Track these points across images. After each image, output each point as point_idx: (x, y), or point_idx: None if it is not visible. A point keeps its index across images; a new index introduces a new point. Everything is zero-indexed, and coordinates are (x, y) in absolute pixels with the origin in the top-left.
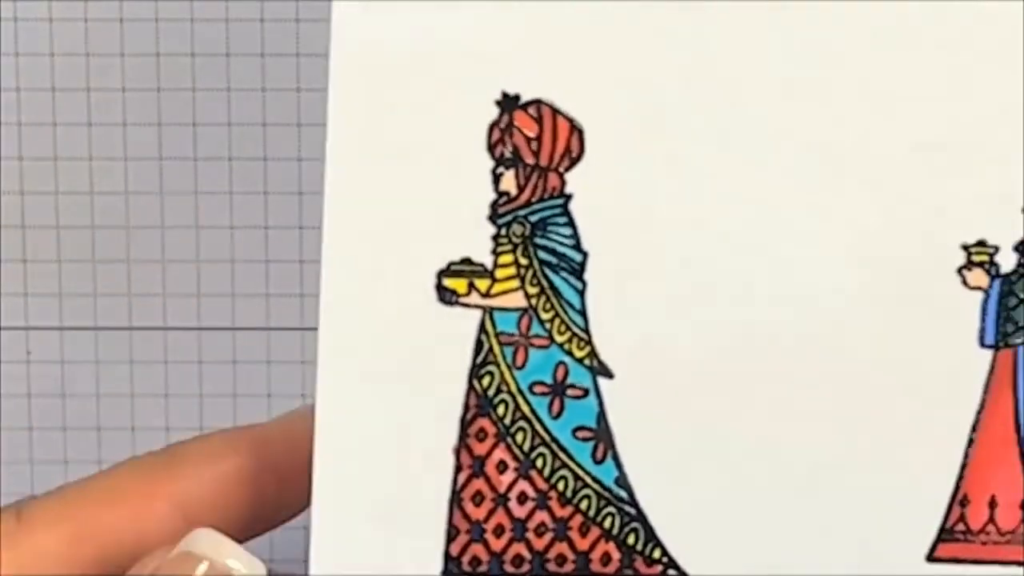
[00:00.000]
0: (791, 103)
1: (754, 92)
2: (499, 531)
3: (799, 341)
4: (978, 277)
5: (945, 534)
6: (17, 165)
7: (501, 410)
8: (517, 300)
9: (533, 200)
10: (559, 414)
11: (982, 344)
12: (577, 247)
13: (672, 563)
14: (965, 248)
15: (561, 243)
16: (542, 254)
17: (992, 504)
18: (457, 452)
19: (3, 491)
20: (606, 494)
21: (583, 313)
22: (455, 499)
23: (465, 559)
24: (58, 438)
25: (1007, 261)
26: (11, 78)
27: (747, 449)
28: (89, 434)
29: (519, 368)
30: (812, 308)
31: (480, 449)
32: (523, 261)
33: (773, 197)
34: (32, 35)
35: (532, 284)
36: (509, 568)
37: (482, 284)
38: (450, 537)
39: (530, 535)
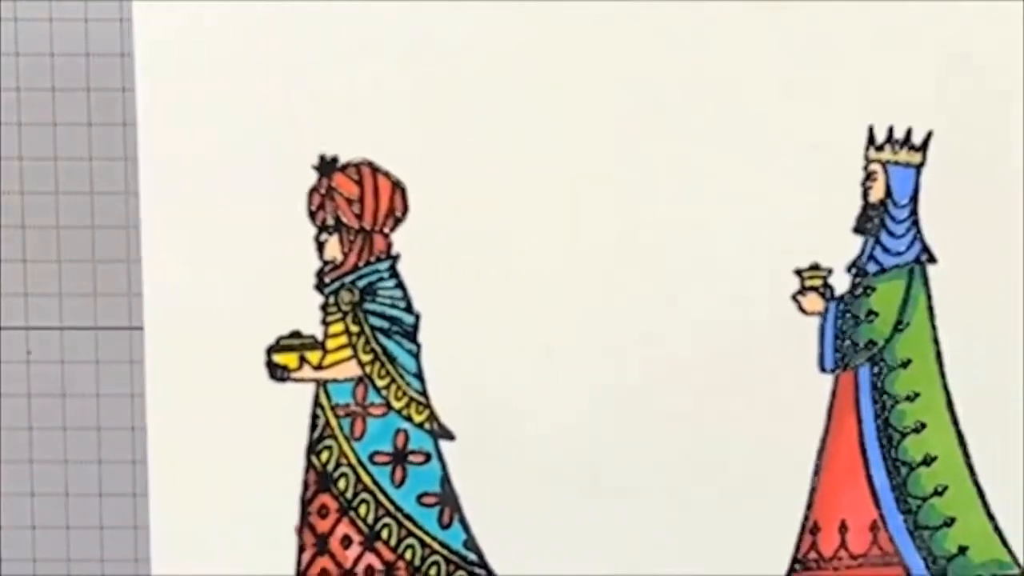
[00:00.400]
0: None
1: (564, 150)
2: None
3: (640, 384)
4: (813, 302)
5: (798, 564)
6: (17, 165)
7: (342, 484)
8: (351, 370)
9: (360, 264)
10: (402, 482)
11: (822, 369)
12: (408, 309)
13: None
14: (798, 273)
15: (392, 306)
16: (373, 319)
17: (843, 529)
18: (299, 531)
19: (3, 490)
20: (455, 558)
21: (420, 376)
22: None
23: None
24: (58, 438)
25: (841, 283)
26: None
27: (595, 497)
28: (89, 434)
29: (357, 439)
30: (650, 349)
31: (323, 526)
32: (354, 328)
33: (596, 246)
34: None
35: (365, 352)
36: None
37: (313, 356)
38: None
39: None
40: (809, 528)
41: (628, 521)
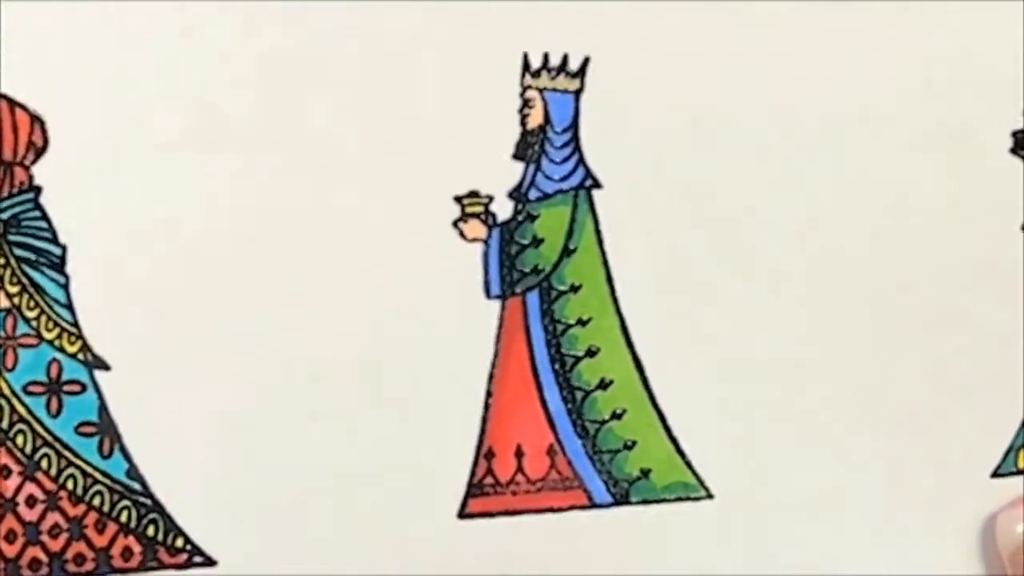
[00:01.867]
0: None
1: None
2: (11, 537)
3: (306, 314)
4: (475, 229)
5: (474, 489)
6: None
7: None
8: None
9: (3, 196)
10: (58, 412)
11: (488, 295)
12: (54, 240)
13: (197, 550)
14: (459, 200)
15: (37, 237)
16: (19, 251)
17: (519, 454)
18: None
19: None
20: (118, 488)
21: (70, 307)
22: None
23: None
24: None
25: (503, 210)
26: None
27: (261, 423)
28: None
29: (10, 370)
30: (318, 283)
31: None
32: (0, 261)
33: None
34: None
35: (12, 283)
36: (27, 574)
37: None
38: None
39: (44, 538)
40: (484, 453)
41: (298, 446)
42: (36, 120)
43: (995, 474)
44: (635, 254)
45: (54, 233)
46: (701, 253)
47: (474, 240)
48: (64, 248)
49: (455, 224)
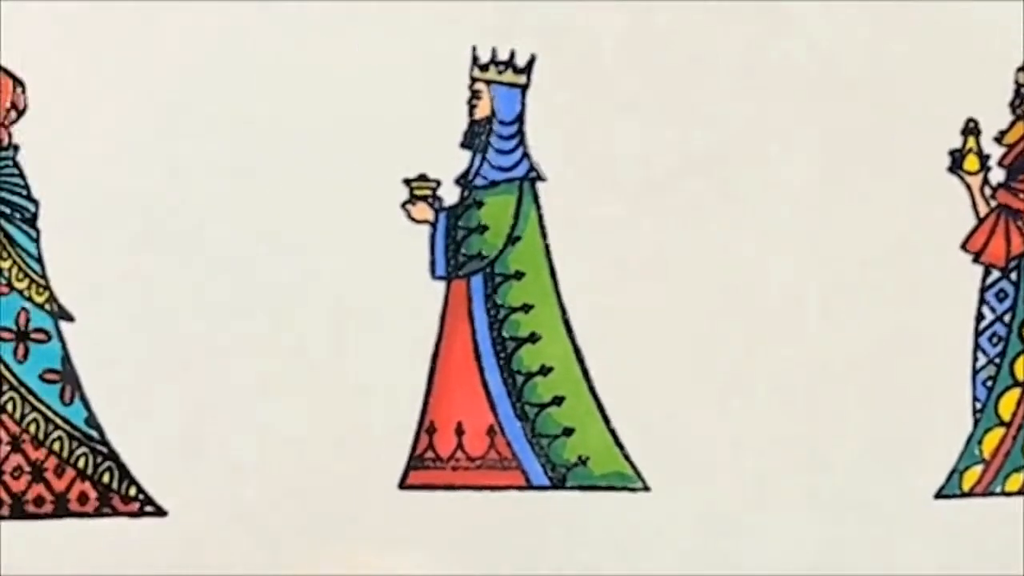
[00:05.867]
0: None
1: None
2: None
3: (248, 288)
4: (422, 211)
5: (415, 461)
6: None
7: None
8: None
9: None
10: (24, 358)
11: (433, 276)
12: (29, 197)
13: (148, 499)
14: (407, 183)
15: (12, 192)
16: None
17: (459, 431)
18: None
19: None
20: (77, 434)
21: (40, 260)
22: None
23: None
24: None
25: (451, 195)
26: None
27: (210, 381)
28: None
29: None
30: (258, 262)
31: None
32: None
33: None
34: None
35: None
36: None
37: None
38: None
39: (6, 478)
40: (426, 428)
41: (250, 410)
42: (18, 83)
43: (939, 495)
44: (577, 245)
45: (29, 190)
46: (643, 246)
47: (422, 222)
48: (37, 204)
49: (403, 206)
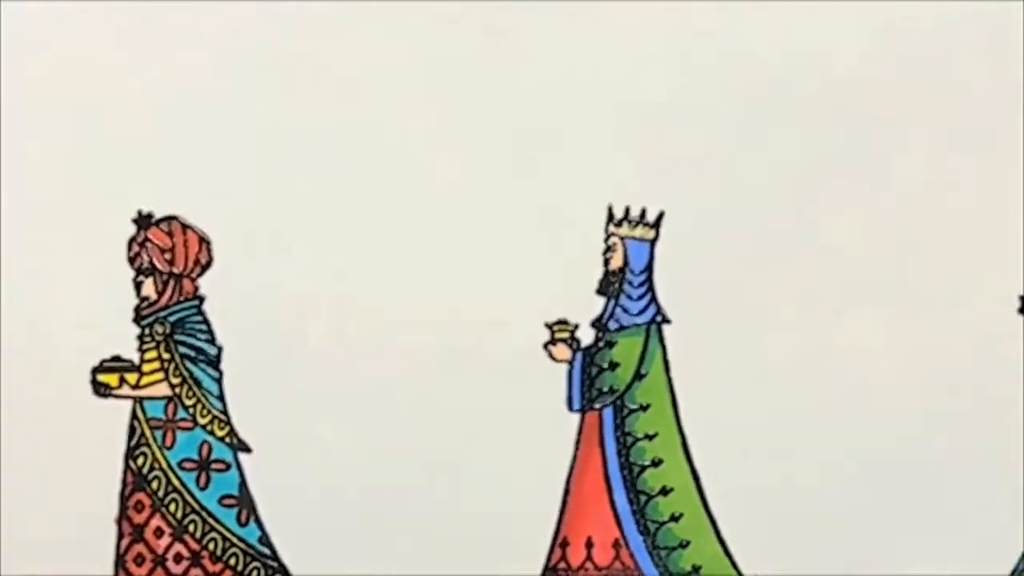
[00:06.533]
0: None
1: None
2: None
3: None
4: (561, 351)
5: (549, 572)
6: None
7: (155, 484)
8: (163, 390)
9: (171, 303)
10: (206, 485)
11: (570, 409)
12: (212, 341)
13: None
14: (549, 327)
15: (198, 338)
16: (182, 349)
17: (589, 544)
18: (119, 522)
19: None
20: (251, 551)
21: (221, 398)
22: (120, 561)
23: None
24: None
25: (587, 336)
26: None
27: (379, 505)
28: None
29: (168, 448)
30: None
31: (139, 519)
32: (166, 356)
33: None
34: None
35: (175, 375)
36: None
37: (131, 377)
38: None
39: None
40: (559, 542)
41: (409, 522)
42: (203, 241)
43: None
44: (697, 381)
45: (212, 335)
46: (749, 381)
47: (561, 361)
48: (220, 348)
49: (545, 347)
